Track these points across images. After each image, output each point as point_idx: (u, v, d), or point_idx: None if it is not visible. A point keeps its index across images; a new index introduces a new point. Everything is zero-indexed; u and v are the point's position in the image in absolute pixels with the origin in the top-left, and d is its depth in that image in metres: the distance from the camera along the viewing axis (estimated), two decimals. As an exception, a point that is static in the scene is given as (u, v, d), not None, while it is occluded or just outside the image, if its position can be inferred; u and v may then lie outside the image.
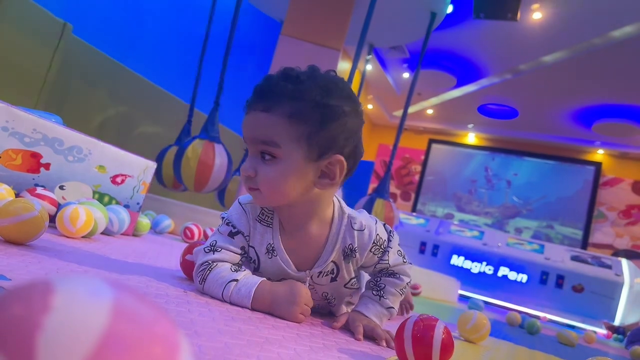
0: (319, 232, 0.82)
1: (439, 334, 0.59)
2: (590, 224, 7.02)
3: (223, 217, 0.85)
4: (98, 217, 1.12)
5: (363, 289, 0.92)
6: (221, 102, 2.76)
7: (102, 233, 1.26)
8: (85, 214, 1.05)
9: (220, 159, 2.40)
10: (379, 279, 0.86)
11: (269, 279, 0.84)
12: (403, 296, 0.87)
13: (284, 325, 0.69)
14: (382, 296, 0.84)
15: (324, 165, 0.75)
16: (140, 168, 1.41)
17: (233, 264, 0.80)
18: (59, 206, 1.13)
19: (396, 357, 0.65)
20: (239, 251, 0.82)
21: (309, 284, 0.84)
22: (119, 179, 1.35)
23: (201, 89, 3.15)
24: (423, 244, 5.66)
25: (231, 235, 0.82)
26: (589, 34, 4.56)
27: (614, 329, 4.61)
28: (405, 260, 0.87)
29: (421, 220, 6.13)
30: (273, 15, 3.65)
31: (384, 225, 0.87)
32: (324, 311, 0.93)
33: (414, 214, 7.05)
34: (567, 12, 4.38)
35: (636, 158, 6.94)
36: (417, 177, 8.26)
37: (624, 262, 5.22)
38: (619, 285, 4.93)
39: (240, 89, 4.29)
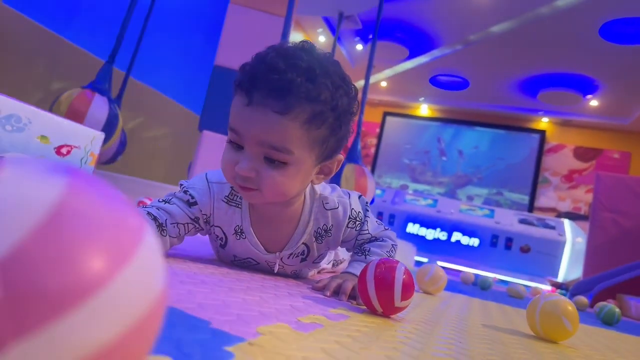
0: (291, 214, 0.79)
1: (399, 275, 0.61)
2: (536, 189, 7.38)
3: (182, 185, 0.78)
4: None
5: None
6: (166, 73, 2.67)
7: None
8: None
9: (97, 110, 2.22)
10: (363, 245, 0.85)
11: (235, 256, 0.82)
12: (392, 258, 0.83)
13: (248, 278, 0.69)
14: (368, 255, 0.82)
15: (327, 164, 0.73)
16: (87, 138, 1.34)
17: (173, 222, 0.73)
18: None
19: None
20: (192, 217, 0.76)
21: (279, 265, 0.82)
22: (64, 150, 1.28)
23: (148, 60, 3.02)
24: (380, 213, 5.79)
25: (189, 204, 0.76)
26: (534, 4, 4.70)
27: (558, 285, 4.93)
28: (386, 228, 0.87)
29: (378, 191, 6.25)
30: (221, -17, 3.52)
31: (359, 197, 0.86)
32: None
33: (371, 185, 7.17)
34: (513, -18, 4.49)
35: (577, 125, 7.31)
36: (372, 150, 8.37)
37: (566, 222, 5.56)
38: (562, 244, 5.25)
39: (188, 61, 4.15)
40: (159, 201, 0.75)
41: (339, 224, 0.81)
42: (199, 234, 0.81)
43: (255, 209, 0.78)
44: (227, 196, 0.77)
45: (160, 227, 0.71)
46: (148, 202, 1.78)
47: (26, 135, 1.19)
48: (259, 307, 0.48)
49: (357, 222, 0.83)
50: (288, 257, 0.82)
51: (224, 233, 0.79)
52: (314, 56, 0.67)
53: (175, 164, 3.96)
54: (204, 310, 0.41)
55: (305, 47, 0.68)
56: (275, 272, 0.83)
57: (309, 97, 0.63)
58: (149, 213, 0.71)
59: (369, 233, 0.84)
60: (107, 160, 2.72)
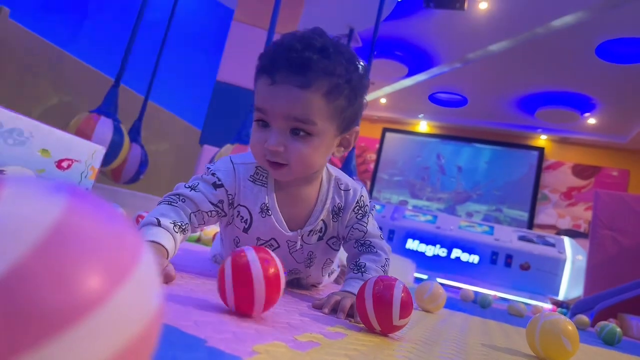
0: (311, 192, 0.84)
1: (398, 292, 0.61)
2: (535, 206, 7.37)
3: (209, 168, 0.82)
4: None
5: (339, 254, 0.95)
6: (168, 88, 2.72)
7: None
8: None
9: (102, 131, 2.37)
10: (358, 259, 0.86)
11: (259, 238, 0.85)
12: (386, 274, 0.85)
13: (245, 295, 0.68)
14: (364, 272, 0.83)
15: (345, 136, 0.80)
16: (88, 152, 1.35)
17: (196, 211, 0.76)
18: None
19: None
20: (215, 202, 0.79)
21: (300, 244, 0.85)
22: (64, 164, 1.29)
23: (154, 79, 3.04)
24: (379, 229, 5.77)
25: (215, 186, 0.79)
26: (531, 24, 4.76)
27: (559, 304, 4.90)
28: (382, 237, 0.90)
29: (377, 207, 6.24)
30: (224, 1, 3.58)
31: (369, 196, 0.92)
32: (295, 277, 0.94)
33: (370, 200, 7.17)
34: (511, 2, 4.55)
35: (576, 143, 7.34)
36: (372, 166, 8.38)
37: (566, 239, 5.53)
38: (562, 262, 5.22)
39: (191, 76, 4.19)
40: (185, 186, 0.78)
41: (347, 205, 0.87)
42: (217, 224, 0.86)
43: (280, 187, 0.83)
44: (253, 175, 0.82)
45: (182, 230, 0.73)
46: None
47: (27, 149, 1.19)
48: (255, 325, 0.48)
49: (361, 211, 0.88)
50: (308, 235, 0.85)
51: (250, 213, 0.83)
52: (326, 38, 0.74)
53: (176, 178, 3.97)
54: (200, 329, 0.41)
55: (317, 31, 0.74)
56: (297, 249, 0.86)
57: (326, 72, 0.70)
58: (174, 223, 0.71)
59: (366, 228, 0.87)
60: (129, 180, 2.82)
